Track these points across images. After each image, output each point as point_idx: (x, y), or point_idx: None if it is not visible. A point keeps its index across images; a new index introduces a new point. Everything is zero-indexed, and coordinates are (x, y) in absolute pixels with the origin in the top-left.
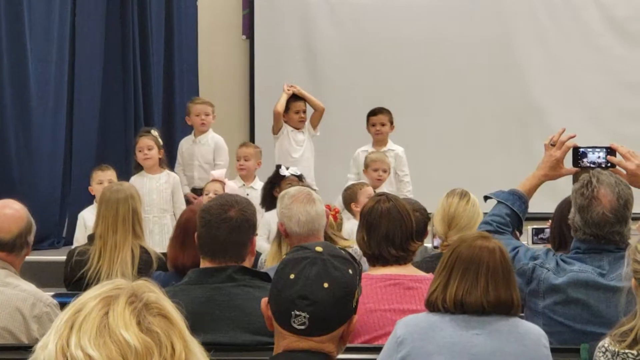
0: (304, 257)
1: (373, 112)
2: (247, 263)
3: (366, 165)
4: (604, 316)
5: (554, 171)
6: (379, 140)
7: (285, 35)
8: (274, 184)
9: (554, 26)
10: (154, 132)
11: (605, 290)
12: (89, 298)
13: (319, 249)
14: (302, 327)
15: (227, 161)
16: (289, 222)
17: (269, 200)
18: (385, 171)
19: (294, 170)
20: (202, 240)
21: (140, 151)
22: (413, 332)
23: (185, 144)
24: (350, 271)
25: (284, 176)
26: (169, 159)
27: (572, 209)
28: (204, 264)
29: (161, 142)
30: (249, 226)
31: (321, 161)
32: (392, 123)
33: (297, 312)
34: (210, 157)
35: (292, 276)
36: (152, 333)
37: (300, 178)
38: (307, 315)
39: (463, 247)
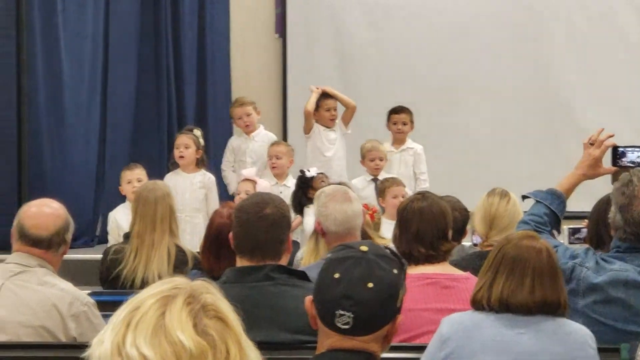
0: (348, 256)
1: (395, 111)
2: (284, 260)
3: (363, 156)
4: None
5: (592, 170)
6: (399, 139)
7: (317, 34)
8: (305, 189)
9: (584, 23)
10: (197, 132)
11: None
12: (147, 296)
13: (364, 248)
14: (347, 326)
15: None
16: (326, 220)
17: (299, 209)
18: (381, 159)
19: (314, 171)
20: (239, 240)
21: (177, 148)
22: (458, 330)
23: (235, 142)
24: (395, 271)
25: (312, 177)
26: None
27: (613, 208)
28: (242, 262)
29: (202, 143)
30: (286, 223)
31: (354, 159)
32: (412, 122)
33: (342, 312)
34: (264, 152)
35: (336, 275)
36: (207, 336)
37: (325, 176)
38: (352, 315)
39: (509, 246)
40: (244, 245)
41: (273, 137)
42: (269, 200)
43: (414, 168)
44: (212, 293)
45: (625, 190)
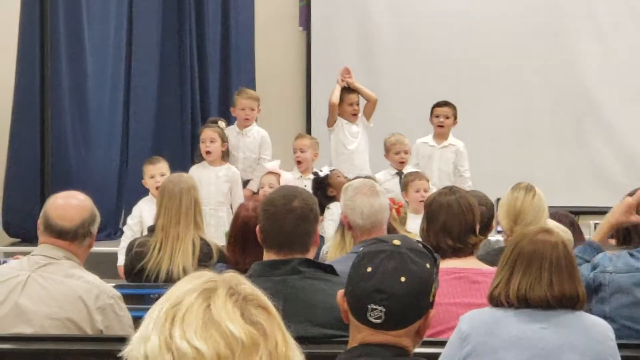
0: (381, 250)
1: (438, 104)
2: (311, 254)
3: (387, 150)
4: None
5: (624, 217)
6: (440, 133)
7: (342, 27)
8: (323, 189)
9: (610, 19)
10: (222, 124)
11: None
12: (186, 291)
13: (396, 242)
14: (379, 320)
15: (271, 156)
16: (352, 214)
17: (321, 210)
18: (406, 152)
19: (327, 169)
20: (267, 233)
21: (203, 142)
22: (477, 327)
23: (229, 135)
24: (427, 265)
25: (327, 175)
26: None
27: None
28: (269, 256)
29: (227, 135)
30: (314, 216)
31: (377, 153)
32: (455, 117)
33: (374, 306)
34: (256, 149)
35: (369, 269)
36: (256, 324)
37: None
38: (384, 309)
39: (525, 241)
40: (271, 238)
41: (265, 133)
42: (297, 193)
43: (457, 165)
44: (247, 284)
45: None
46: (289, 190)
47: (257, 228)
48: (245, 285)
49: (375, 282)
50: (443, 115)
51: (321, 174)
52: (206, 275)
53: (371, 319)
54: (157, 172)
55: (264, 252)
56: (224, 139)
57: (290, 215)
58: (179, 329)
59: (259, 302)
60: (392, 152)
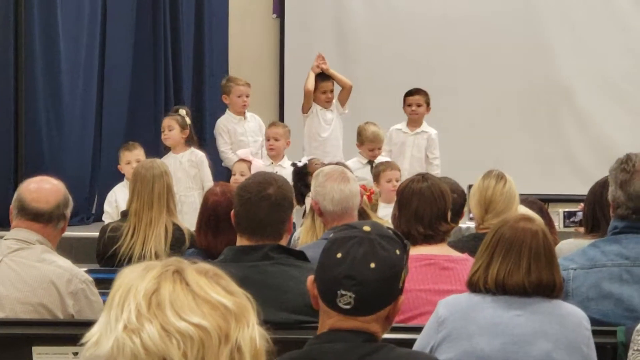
0: (351, 236)
1: (410, 92)
2: (284, 241)
3: (361, 142)
4: (637, 310)
5: None
6: (414, 121)
7: (316, 15)
8: (303, 178)
9: (583, 7)
10: (182, 112)
11: (638, 282)
12: (153, 277)
13: (367, 228)
14: (348, 306)
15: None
16: (323, 200)
17: (302, 199)
18: (380, 149)
19: (305, 159)
20: (240, 219)
21: (162, 131)
22: (454, 312)
23: (229, 123)
24: (397, 251)
25: (305, 164)
26: (200, 137)
27: (612, 188)
28: (241, 242)
29: (187, 121)
30: (288, 204)
31: (351, 140)
32: (428, 104)
33: (343, 292)
34: (258, 132)
35: (339, 255)
36: (236, 294)
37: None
38: (353, 295)
39: (506, 228)
40: (245, 224)
41: (258, 117)
42: (272, 180)
43: (427, 152)
44: (202, 263)
45: (626, 167)
46: (264, 177)
47: (232, 212)
48: (201, 264)
49: (345, 268)
50: (415, 103)
51: (299, 164)
52: (157, 263)
53: (341, 304)
54: (133, 158)
55: (237, 237)
56: (184, 126)
57: (265, 202)
58: (171, 312)
59: (223, 276)
60: (366, 145)
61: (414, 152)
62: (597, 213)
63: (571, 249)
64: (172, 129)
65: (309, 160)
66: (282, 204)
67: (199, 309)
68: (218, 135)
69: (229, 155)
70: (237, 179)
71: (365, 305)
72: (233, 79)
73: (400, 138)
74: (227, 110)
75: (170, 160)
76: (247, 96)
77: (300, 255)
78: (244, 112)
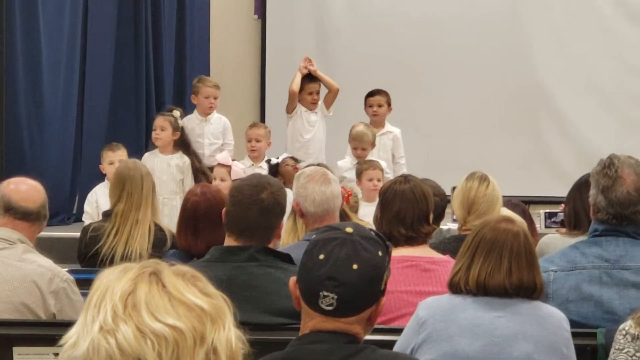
0: (334, 237)
1: (370, 94)
2: (271, 246)
3: (349, 139)
4: (616, 312)
5: None
6: (376, 122)
7: (297, 15)
8: (274, 175)
9: (564, 9)
10: (175, 113)
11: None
12: (129, 279)
13: (349, 229)
14: (330, 307)
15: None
16: (304, 201)
17: None
18: (364, 149)
19: (282, 156)
20: (231, 219)
21: (154, 130)
22: (435, 314)
23: (191, 123)
24: (379, 253)
25: (278, 164)
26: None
27: (593, 191)
28: (229, 242)
29: (180, 124)
30: (280, 210)
31: (333, 142)
32: (389, 105)
33: (325, 293)
34: (220, 135)
35: (321, 256)
36: (213, 296)
37: (294, 159)
38: (335, 296)
39: (487, 229)
40: (234, 225)
41: (226, 120)
42: (267, 185)
43: (393, 152)
44: (180, 265)
45: (608, 172)
46: (260, 180)
47: (224, 210)
48: (179, 266)
49: (327, 270)
50: (376, 104)
51: (274, 161)
52: (134, 265)
53: (323, 305)
54: (116, 158)
55: (226, 237)
56: (175, 128)
57: (256, 205)
58: (147, 313)
59: (201, 278)
60: (350, 144)
61: (380, 153)
62: (578, 212)
63: (555, 243)
64: (165, 129)
65: (282, 161)
66: (274, 210)
67: (174, 311)
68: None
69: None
70: (218, 185)
71: (348, 306)
72: (203, 79)
73: None
74: (195, 110)
75: (156, 160)
76: (215, 98)
77: (287, 258)
78: (209, 113)
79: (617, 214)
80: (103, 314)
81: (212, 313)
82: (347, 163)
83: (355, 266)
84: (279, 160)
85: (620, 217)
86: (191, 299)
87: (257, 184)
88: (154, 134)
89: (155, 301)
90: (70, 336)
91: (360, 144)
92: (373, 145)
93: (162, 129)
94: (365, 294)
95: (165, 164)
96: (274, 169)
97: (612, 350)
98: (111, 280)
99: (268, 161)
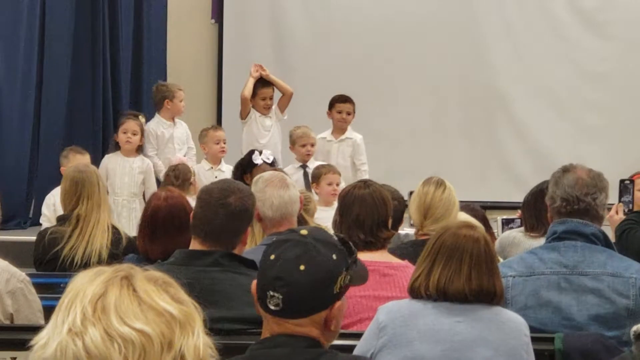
0: (288, 239)
1: (341, 99)
2: (237, 251)
3: (293, 142)
4: (575, 318)
5: None
6: (340, 128)
7: (254, 20)
8: (245, 170)
9: (521, 15)
10: (142, 119)
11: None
12: (101, 283)
13: (304, 232)
14: (277, 308)
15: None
16: (262, 206)
17: None
18: (312, 145)
19: (266, 155)
20: (197, 221)
21: (124, 133)
22: (395, 319)
23: (159, 128)
24: (333, 256)
25: (256, 164)
26: None
27: (551, 190)
28: (194, 245)
29: (153, 128)
30: (247, 216)
31: (288, 146)
32: (354, 112)
33: (272, 293)
34: (184, 140)
35: (272, 257)
36: (184, 302)
37: (272, 164)
38: (281, 297)
39: (447, 234)
40: (200, 227)
41: (185, 124)
42: (236, 189)
43: (354, 158)
44: (152, 271)
45: (566, 166)
46: (229, 185)
47: (192, 213)
48: (153, 271)
49: (276, 270)
50: (346, 111)
51: (255, 160)
52: (108, 268)
53: (270, 306)
54: (84, 162)
55: (192, 239)
56: (142, 133)
57: (223, 210)
58: (115, 317)
59: (173, 284)
60: (298, 144)
61: (339, 159)
62: (536, 216)
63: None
64: (137, 133)
65: (262, 164)
66: (240, 215)
67: (143, 315)
68: (146, 140)
69: (155, 160)
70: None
71: (293, 307)
72: (172, 84)
73: (326, 147)
74: (157, 115)
75: (118, 162)
76: (180, 100)
77: (251, 264)
78: (178, 117)
79: (569, 197)
80: (72, 316)
81: (182, 319)
82: (290, 169)
83: (302, 267)
84: (259, 162)
85: (572, 201)
86: (161, 304)
87: (225, 188)
88: (124, 137)
89: (125, 305)
90: (41, 337)
91: (306, 140)
92: (315, 144)
93: (133, 133)
94: (313, 296)
95: (128, 166)
96: (251, 165)
97: None
98: (84, 284)
99: (252, 151)
